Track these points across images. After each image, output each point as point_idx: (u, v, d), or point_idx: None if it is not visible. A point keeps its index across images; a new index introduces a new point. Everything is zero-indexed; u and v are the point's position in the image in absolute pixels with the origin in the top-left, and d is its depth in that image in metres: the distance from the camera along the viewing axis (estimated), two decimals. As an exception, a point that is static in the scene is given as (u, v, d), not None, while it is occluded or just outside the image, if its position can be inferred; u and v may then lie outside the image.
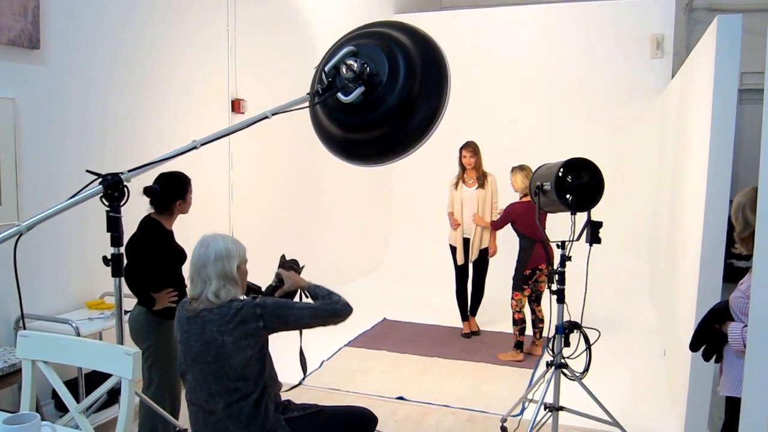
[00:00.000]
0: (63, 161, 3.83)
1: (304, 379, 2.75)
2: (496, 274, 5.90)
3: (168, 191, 3.18)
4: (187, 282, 2.48)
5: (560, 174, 3.34)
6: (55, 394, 3.61)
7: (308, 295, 2.68)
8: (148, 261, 3.11)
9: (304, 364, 2.93)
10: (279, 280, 2.70)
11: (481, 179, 5.55)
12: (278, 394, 2.53)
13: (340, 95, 2.37)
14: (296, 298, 2.70)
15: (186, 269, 3.28)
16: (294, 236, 6.32)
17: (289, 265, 2.77)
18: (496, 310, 6.25)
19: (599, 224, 3.40)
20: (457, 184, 5.65)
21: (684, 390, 3.61)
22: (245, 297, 2.42)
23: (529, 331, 5.23)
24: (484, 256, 5.62)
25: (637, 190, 7.22)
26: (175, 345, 3.19)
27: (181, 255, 3.29)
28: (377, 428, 2.72)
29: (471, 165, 5.53)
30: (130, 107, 4.34)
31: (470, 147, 5.55)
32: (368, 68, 2.35)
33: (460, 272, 5.73)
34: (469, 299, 5.83)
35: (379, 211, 8.42)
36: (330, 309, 2.48)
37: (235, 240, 2.50)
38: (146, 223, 3.18)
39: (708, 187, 3.36)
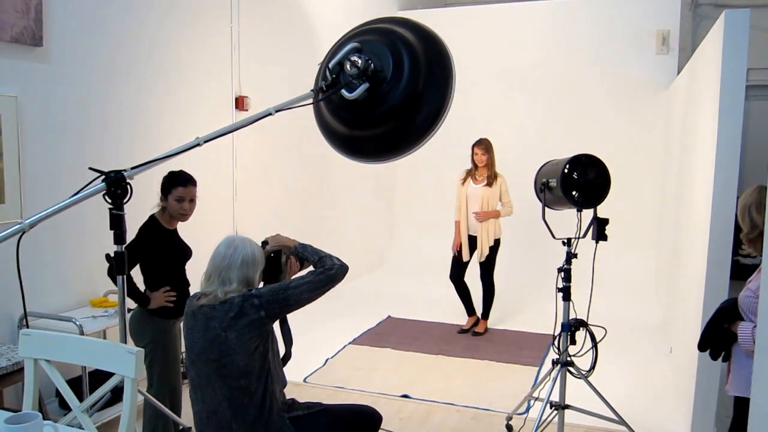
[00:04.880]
0: (66, 159, 3.82)
1: (289, 354, 2.65)
2: (501, 272, 5.88)
3: (162, 182, 3.18)
4: (202, 278, 2.47)
5: (566, 170, 3.32)
6: (59, 392, 3.60)
7: (297, 258, 2.65)
8: (141, 259, 3.10)
9: (289, 336, 2.67)
10: (265, 242, 2.67)
11: (491, 178, 5.49)
12: (283, 393, 2.52)
13: (344, 92, 2.35)
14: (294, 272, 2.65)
15: (189, 268, 3.31)
16: (297, 233, 6.28)
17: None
18: (502, 308, 6.24)
19: (605, 221, 3.38)
20: (464, 180, 5.61)
21: (691, 388, 3.59)
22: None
23: None
24: (491, 252, 5.58)
25: (643, 186, 7.18)
26: (174, 343, 3.19)
27: (181, 254, 3.26)
28: (382, 426, 2.70)
29: (483, 163, 5.47)
30: (133, 105, 4.33)
31: (482, 144, 5.49)
32: (372, 65, 2.34)
33: (458, 266, 5.70)
34: (473, 297, 5.81)
35: (384, 208, 8.41)
36: (326, 277, 2.43)
37: (259, 246, 2.49)
38: (146, 221, 3.17)
39: (715, 184, 3.33)
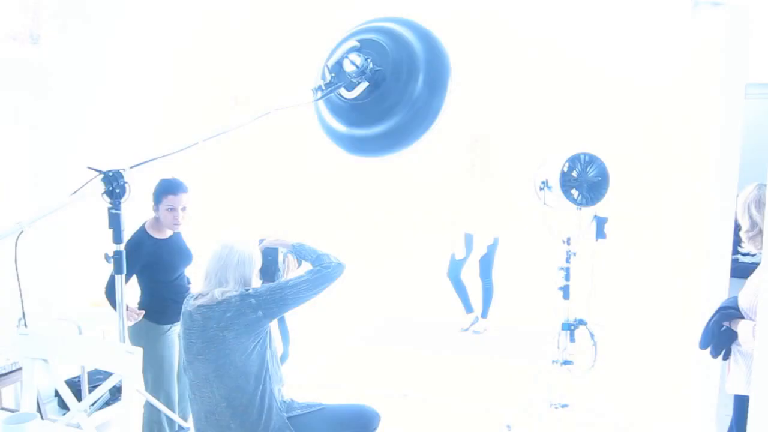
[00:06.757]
0: (63, 157, 3.81)
1: (287, 353, 2.64)
2: (501, 270, 5.87)
3: (153, 192, 3.09)
4: (201, 277, 2.45)
5: (566, 169, 3.32)
6: (58, 392, 3.60)
7: (295, 257, 2.63)
8: (132, 272, 3.03)
9: (287, 335, 2.65)
10: (261, 241, 2.65)
11: (488, 176, 5.50)
12: (281, 393, 2.51)
13: (343, 90, 2.34)
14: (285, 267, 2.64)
15: (188, 269, 3.28)
16: (296, 232, 6.29)
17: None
18: (502, 307, 6.22)
19: (605, 220, 3.37)
20: (462, 178, 5.61)
21: (691, 386, 3.58)
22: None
23: None
24: (491, 251, 5.57)
25: (643, 184, 7.16)
26: (169, 349, 3.14)
27: (175, 262, 3.18)
28: (380, 425, 2.70)
29: (480, 161, 5.49)
30: (132, 103, 4.32)
31: (479, 142, 5.51)
32: (371, 63, 2.33)
33: (455, 264, 5.68)
34: (470, 295, 5.80)
35: (382, 206, 8.39)
36: (323, 275, 2.42)
37: (255, 246, 2.48)
38: (134, 234, 3.06)
39: (715, 182, 3.32)
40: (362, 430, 2.62)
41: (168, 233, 3.15)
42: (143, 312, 3.05)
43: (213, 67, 5.13)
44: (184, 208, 3.10)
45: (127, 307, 3.00)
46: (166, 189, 3.05)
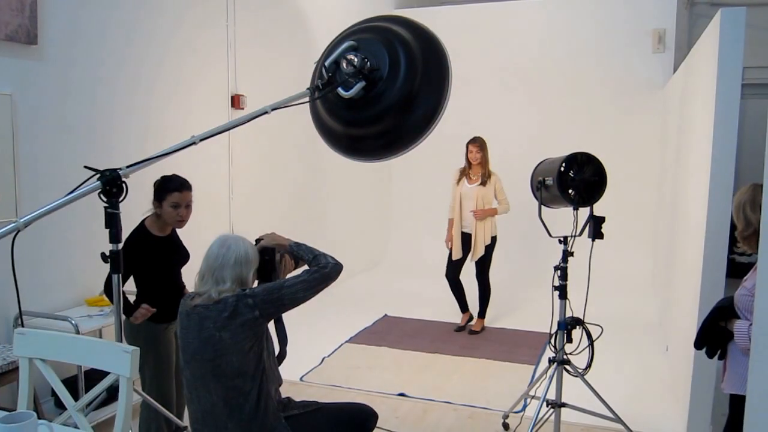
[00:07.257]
0: (61, 157, 3.81)
1: (284, 353, 2.62)
2: (498, 270, 5.88)
3: (155, 188, 3.09)
4: (196, 278, 2.45)
5: (562, 169, 3.32)
6: (54, 392, 3.59)
7: (292, 257, 2.64)
8: (132, 271, 3.02)
9: (284, 335, 2.63)
10: (259, 240, 2.65)
11: (485, 177, 5.50)
12: (278, 392, 2.51)
13: (340, 90, 2.35)
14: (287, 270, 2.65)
15: (185, 269, 3.27)
16: (294, 232, 6.28)
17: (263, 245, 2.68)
18: (498, 307, 6.24)
19: (602, 219, 3.38)
20: (459, 180, 5.61)
21: (687, 386, 3.60)
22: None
23: None
24: (488, 251, 5.58)
25: (640, 185, 7.19)
26: (167, 348, 3.14)
27: (174, 260, 3.18)
28: (378, 425, 2.70)
29: (477, 161, 5.48)
30: (128, 103, 4.32)
31: (477, 142, 5.50)
32: (369, 63, 2.34)
33: (454, 264, 5.69)
34: (469, 297, 5.80)
35: (380, 206, 8.41)
36: (320, 275, 2.42)
37: (253, 245, 2.48)
38: (133, 231, 3.05)
39: (711, 182, 3.33)
40: (359, 430, 2.63)
41: (167, 231, 3.16)
42: (154, 310, 3.04)
43: (212, 66, 5.13)
44: (188, 206, 3.11)
45: (141, 305, 3.02)
46: (170, 186, 3.05)
